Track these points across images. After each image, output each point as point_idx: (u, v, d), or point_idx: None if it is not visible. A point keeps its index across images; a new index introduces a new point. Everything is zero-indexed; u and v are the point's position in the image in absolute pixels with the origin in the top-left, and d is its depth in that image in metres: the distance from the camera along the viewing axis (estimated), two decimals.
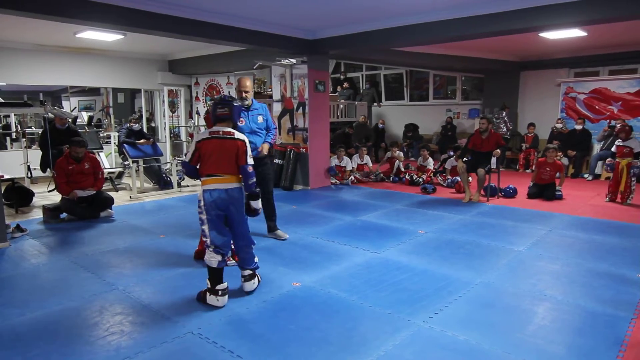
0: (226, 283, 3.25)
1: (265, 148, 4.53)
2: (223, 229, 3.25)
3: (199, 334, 2.83)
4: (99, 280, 3.73)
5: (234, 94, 7.79)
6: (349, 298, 3.35)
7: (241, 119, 4.35)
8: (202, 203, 3.18)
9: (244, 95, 4.44)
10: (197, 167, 3.29)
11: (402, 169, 8.72)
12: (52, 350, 2.66)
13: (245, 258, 3.40)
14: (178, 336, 2.81)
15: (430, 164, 8.43)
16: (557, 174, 7.04)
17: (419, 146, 9.54)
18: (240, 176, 3.27)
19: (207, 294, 3.21)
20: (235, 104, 3.32)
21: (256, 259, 3.47)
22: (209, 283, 3.22)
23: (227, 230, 3.29)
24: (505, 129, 10.30)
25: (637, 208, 6.25)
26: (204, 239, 3.23)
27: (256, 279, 3.48)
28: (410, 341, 2.73)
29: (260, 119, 4.56)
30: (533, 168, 9.80)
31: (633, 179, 6.45)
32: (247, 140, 3.31)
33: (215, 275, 3.21)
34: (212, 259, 3.18)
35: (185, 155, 3.24)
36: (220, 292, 3.19)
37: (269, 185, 4.77)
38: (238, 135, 3.27)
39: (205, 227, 3.20)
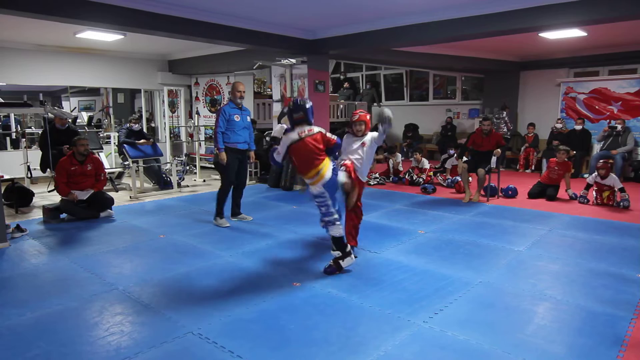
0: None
1: (252, 156, 5.70)
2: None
3: (199, 334, 2.83)
4: (99, 280, 3.73)
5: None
6: (349, 298, 3.35)
7: (236, 115, 5.36)
8: (324, 191, 3.67)
9: (242, 95, 5.47)
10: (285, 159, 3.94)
11: (401, 169, 8.73)
12: (52, 350, 2.66)
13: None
14: (178, 336, 2.81)
15: (426, 164, 8.43)
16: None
17: (412, 150, 9.52)
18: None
19: (341, 260, 3.73)
20: (307, 106, 3.77)
21: None
22: (339, 253, 3.73)
23: None
24: (505, 129, 10.31)
25: (637, 208, 6.26)
26: (329, 219, 3.67)
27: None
28: (410, 341, 2.74)
29: (248, 118, 5.59)
30: (533, 168, 9.85)
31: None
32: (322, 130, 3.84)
33: (343, 242, 3.75)
34: (340, 230, 3.71)
35: (278, 154, 3.88)
36: (352, 253, 3.80)
37: (245, 177, 5.73)
38: (316, 128, 3.80)
39: (332, 209, 3.69)
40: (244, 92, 5.48)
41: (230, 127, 5.31)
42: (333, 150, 3.88)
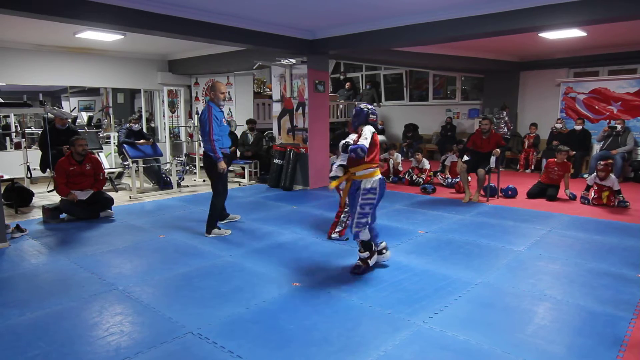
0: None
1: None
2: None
3: (199, 334, 2.83)
4: (99, 280, 3.73)
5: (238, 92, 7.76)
6: (349, 298, 3.35)
7: (223, 118, 5.08)
8: (376, 188, 3.69)
9: (226, 97, 5.18)
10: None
11: (401, 169, 8.73)
12: (52, 350, 2.66)
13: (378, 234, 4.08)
14: (178, 336, 2.81)
15: (426, 164, 8.43)
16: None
17: (412, 150, 9.53)
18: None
19: (371, 258, 3.83)
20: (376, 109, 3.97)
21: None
22: (368, 253, 3.81)
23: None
24: (505, 129, 10.30)
25: (637, 208, 6.26)
26: (365, 220, 3.68)
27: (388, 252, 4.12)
28: (410, 341, 2.74)
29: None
30: (533, 168, 9.84)
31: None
32: None
33: (370, 243, 3.83)
34: (368, 234, 3.75)
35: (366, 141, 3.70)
36: (384, 250, 3.97)
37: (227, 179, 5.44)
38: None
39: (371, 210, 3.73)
40: (227, 92, 5.34)
41: (221, 132, 5.03)
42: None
